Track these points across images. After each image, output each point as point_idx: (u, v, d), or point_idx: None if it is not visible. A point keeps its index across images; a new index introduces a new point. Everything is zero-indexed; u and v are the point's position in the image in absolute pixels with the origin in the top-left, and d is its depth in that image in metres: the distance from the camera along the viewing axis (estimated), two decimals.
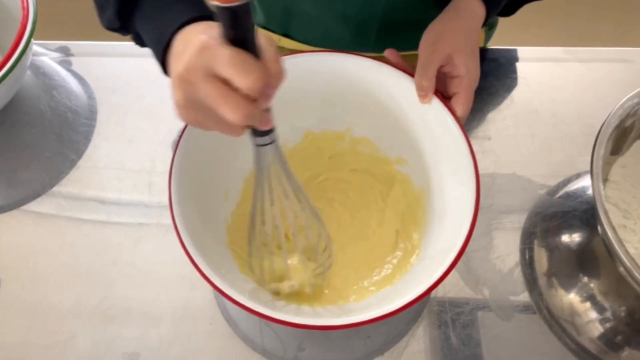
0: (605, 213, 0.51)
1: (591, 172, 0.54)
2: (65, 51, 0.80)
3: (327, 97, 0.60)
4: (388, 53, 0.59)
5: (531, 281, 0.61)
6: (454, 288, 0.61)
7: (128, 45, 0.80)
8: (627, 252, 0.49)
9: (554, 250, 0.63)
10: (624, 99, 0.59)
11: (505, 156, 0.70)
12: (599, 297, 0.60)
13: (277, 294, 0.54)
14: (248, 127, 0.41)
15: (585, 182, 0.68)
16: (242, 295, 0.46)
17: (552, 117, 0.73)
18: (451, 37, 0.55)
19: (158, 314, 0.60)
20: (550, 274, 0.62)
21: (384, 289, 0.55)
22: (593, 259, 0.62)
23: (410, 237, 0.58)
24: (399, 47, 0.61)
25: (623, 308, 0.59)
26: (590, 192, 0.64)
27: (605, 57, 0.79)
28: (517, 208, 0.66)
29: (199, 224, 0.52)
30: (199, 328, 0.59)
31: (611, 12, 1.69)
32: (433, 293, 0.61)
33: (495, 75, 0.77)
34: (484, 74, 0.74)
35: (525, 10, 0.68)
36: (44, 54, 0.80)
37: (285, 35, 0.78)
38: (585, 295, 0.60)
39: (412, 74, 0.56)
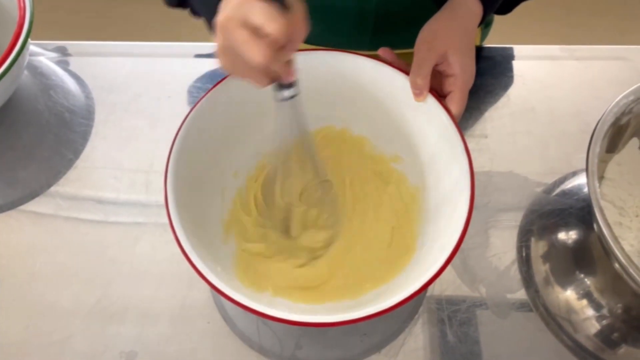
0: (601, 210, 0.52)
1: (587, 169, 0.55)
2: (63, 51, 0.80)
3: (323, 95, 0.61)
4: (382, 52, 0.59)
5: (528, 279, 0.61)
6: (451, 286, 0.61)
7: (125, 45, 0.80)
8: (622, 250, 0.50)
9: (550, 247, 0.63)
10: (620, 97, 0.59)
11: (502, 154, 0.70)
12: (596, 295, 0.60)
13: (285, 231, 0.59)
14: (272, 81, 0.47)
15: (581, 179, 0.68)
16: (238, 293, 0.46)
17: (549, 115, 0.73)
18: (447, 35, 0.55)
19: (155, 313, 0.60)
20: (546, 271, 0.62)
21: (380, 286, 0.55)
22: (589, 256, 0.62)
23: (406, 234, 0.58)
24: (395, 46, 0.61)
25: (619, 305, 0.59)
26: (586, 189, 0.64)
27: (601, 55, 0.79)
28: (513, 206, 0.66)
29: (195, 223, 0.52)
30: (197, 326, 0.59)
31: (607, 11, 1.69)
32: (430, 291, 0.61)
33: (491, 73, 0.77)
34: (481, 72, 0.74)
35: (521, 8, 0.68)
36: (41, 54, 0.80)
37: None
38: (581, 292, 0.60)
39: (407, 72, 0.56)
